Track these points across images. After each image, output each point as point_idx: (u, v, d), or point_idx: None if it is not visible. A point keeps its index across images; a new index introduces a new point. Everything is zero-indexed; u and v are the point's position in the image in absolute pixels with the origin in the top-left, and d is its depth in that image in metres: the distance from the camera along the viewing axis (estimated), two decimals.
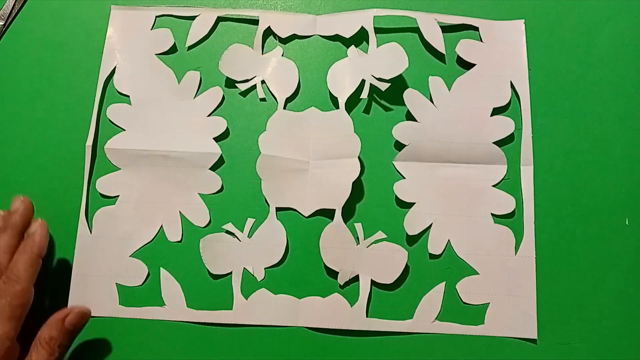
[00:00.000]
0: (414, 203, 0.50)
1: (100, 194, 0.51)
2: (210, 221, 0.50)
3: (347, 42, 0.54)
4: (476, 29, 0.54)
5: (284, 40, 0.54)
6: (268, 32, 0.54)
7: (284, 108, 0.52)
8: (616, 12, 0.55)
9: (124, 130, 0.52)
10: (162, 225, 0.50)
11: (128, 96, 0.53)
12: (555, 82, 0.53)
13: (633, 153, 0.52)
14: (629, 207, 0.51)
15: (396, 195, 0.50)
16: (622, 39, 0.55)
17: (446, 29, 0.54)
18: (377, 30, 0.54)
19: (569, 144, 0.52)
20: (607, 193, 0.51)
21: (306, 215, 0.50)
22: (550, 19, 0.55)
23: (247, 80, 0.53)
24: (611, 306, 0.48)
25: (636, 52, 0.54)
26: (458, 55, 0.54)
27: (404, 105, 0.52)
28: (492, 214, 0.50)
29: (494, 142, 0.51)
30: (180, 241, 0.50)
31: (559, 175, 0.51)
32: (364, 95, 0.51)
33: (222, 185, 0.51)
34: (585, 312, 0.49)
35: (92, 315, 0.47)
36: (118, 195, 0.51)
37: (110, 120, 0.52)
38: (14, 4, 0.55)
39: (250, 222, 0.50)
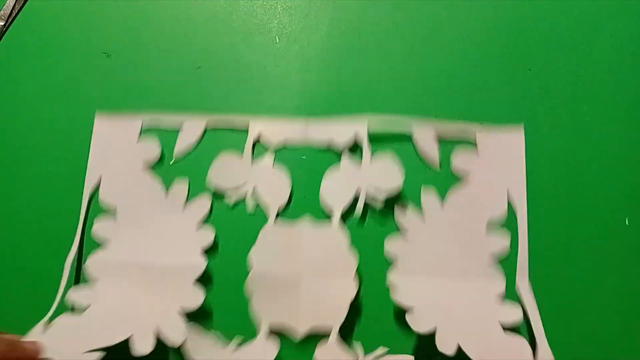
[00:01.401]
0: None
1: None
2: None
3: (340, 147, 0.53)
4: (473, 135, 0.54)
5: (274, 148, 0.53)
6: (258, 139, 0.54)
7: (276, 218, 0.50)
8: (616, 12, 0.57)
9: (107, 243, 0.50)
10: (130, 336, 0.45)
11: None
12: (555, 82, 0.54)
13: (633, 153, 0.53)
14: (629, 207, 0.51)
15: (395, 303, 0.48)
16: (622, 39, 0.56)
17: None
18: (372, 136, 0.53)
19: (569, 144, 0.52)
20: (607, 193, 0.52)
21: (299, 336, 0.47)
22: (550, 19, 0.56)
23: (237, 189, 0.52)
24: (611, 306, 0.48)
25: (636, 52, 0.55)
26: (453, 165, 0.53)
27: None
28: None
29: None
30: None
31: (559, 175, 0.52)
32: (358, 212, 0.51)
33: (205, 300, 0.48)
34: (585, 312, 0.48)
35: None
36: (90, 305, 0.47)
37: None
38: (14, 4, 0.56)
39: (236, 342, 0.47)
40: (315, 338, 0.47)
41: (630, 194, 0.52)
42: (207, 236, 0.50)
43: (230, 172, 0.52)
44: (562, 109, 0.54)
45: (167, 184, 0.52)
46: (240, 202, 0.52)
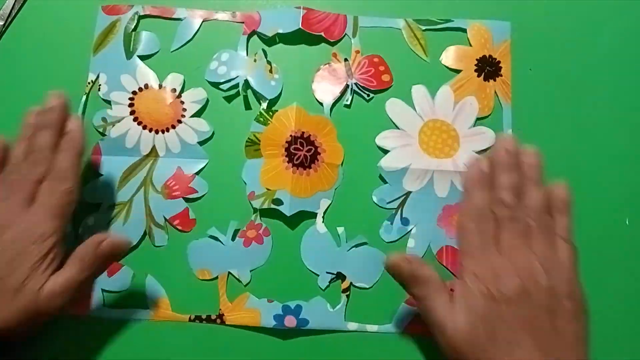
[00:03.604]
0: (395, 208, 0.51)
1: (86, 201, 0.51)
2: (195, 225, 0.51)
3: (331, 44, 0.55)
4: (464, 30, 0.55)
5: (268, 42, 0.55)
6: (252, 34, 0.55)
7: (267, 110, 0.53)
8: (601, 15, 0.56)
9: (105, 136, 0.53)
10: (147, 230, 0.51)
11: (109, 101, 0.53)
12: (555, 82, 0.54)
13: (633, 153, 0.53)
14: (629, 207, 0.52)
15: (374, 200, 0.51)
16: (622, 39, 0.55)
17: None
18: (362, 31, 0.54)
19: (569, 144, 0.53)
20: (607, 193, 0.52)
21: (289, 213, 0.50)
22: (535, 21, 0.55)
23: (230, 80, 0.53)
24: (611, 306, 0.48)
25: (636, 52, 0.55)
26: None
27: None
28: None
29: (476, 152, 0.52)
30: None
31: (559, 175, 0.51)
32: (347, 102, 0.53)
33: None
34: None
35: (73, 312, 0.48)
36: (101, 203, 0.51)
37: (95, 128, 0.53)
38: (14, 4, 0.55)
39: (233, 224, 0.51)
40: (303, 223, 0.51)
41: (630, 194, 0.52)
42: (204, 127, 0.53)
43: (225, 66, 0.54)
44: (561, 110, 0.53)
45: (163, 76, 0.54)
46: (235, 97, 0.54)
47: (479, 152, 0.52)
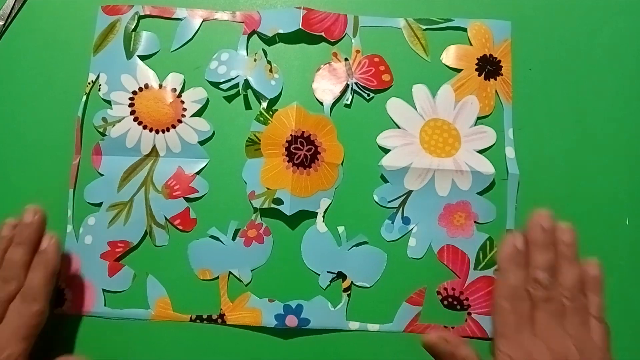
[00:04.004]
0: (396, 207, 0.51)
1: (86, 201, 0.52)
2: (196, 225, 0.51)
3: (331, 44, 0.55)
4: (464, 30, 0.55)
5: (268, 41, 0.55)
6: (252, 34, 0.55)
7: (267, 108, 0.53)
8: (601, 15, 0.56)
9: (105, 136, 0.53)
10: (147, 230, 0.51)
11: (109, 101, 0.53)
12: (556, 82, 0.54)
13: (633, 153, 0.53)
14: (629, 207, 0.52)
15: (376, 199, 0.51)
16: (622, 39, 0.55)
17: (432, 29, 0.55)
18: (362, 30, 0.55)
19: (569, 144, 0.53)
20: (607, 193, 0.52)
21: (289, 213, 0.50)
22: (535, 21, 0.55)
23: (230, 80, 0.53)
24: (611, 306, 0.47)
25: (636, 52, 0.55)
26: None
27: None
28: (475, 222, 0.51)
29: (477, 151, 0.52)
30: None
31: (559, 175, 0.52)
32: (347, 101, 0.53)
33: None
34: None
35: (75, 312, 0.49)
36: (102, 202, 0.51)
37: (96, 128, 0.53)
38: (14, 4, 0.55)
39: (233, 224, 0.51)
40: (303, 223, 0.51)
41: (630, 194, 0.52)
42: (204, 126, 0.53)
43: (225, 66, 0.54)
44: (561, 109, 0.53)
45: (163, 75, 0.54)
46: (235, 97, 0.54)
47: (481, 152, 0.52)
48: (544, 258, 0.44)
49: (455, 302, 0.49)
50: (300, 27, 0.54)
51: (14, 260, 0.45)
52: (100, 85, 0.53)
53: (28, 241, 0.45)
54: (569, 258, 0.45)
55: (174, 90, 0.53)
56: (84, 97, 0.53)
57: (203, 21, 0.55)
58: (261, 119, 0.52)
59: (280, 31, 0.54)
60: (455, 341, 0.44)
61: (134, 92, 0.53)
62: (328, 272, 0.50)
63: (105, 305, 0.49)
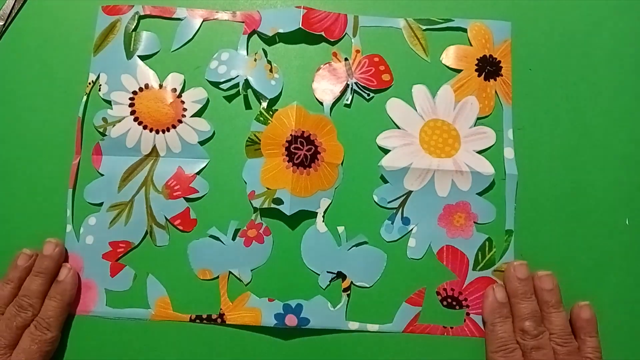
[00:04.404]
0: (396, 208, 0.51)
1: (86, 201, 0.52)
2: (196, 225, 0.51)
3: (331, 44, 0.55)
4: (464, 30, 0.55)
5: (268, 41, 0.55)
6: (252, 33, 0.55)
7: (268, 108, 0.53)
8: (601, 15, 0.56)
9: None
10: (148, 230, 0.51)
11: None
12: (556, 82, 0.54)
13: (633, 153, 0.53)
14: (629, 207, 0.52)
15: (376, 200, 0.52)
16: (622, 39, 0.55)
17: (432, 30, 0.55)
18: (362, 30, 0.55)
19: (569, 144, 0.53)
20: (607, 193, 0.52)
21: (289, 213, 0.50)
22: (535, 21, 0.55)
23: (230, 80, 0.53)
24: (611, 306, 0.48)
25: (636, 52, 0.55)
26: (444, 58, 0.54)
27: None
28: (474, 222, 0.51)
29: (477, 152, 0.52)
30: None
31: (559, 175, 0.52)
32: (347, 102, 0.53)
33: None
34: None
35: (76, 312, 0.49)
36: (102, 202, 0.51)
37: (96, 128, 0.53)
38: (14, 4, 0.55)
39: (233, 224, 0.51)
40: (303, 223, 0.51)
41: (630, 194, 0.52)
42: (205, 127, 0.53)
43: (225, 66, 0.54)
44: (561, 110, 0.53)
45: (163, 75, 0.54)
46: (235, 97, 0.54)
47: (480, 152, 0.52)
48: (527, 308, 0.46)
49: (454, 303, 0.50)
50: (300, 26, 0.54)
51: (32, 289, 0.47)
52: (100, 85, 0.53)
53: (47, 272, 0.48)
54: (554, 304, 0.47)
55: (174, 90, 0.53)
56: (85, 97, 0.53)
57: (203, 21, 0.55)
58: (261, 118, 0.52)
59: (280, 31, 0.54)
60: None
61: (134, 92, 0.53)
62: (328, 272, 0.50)
63: (106, 305, 0.49)
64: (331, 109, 0.53)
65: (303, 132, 0.51)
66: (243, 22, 0.55)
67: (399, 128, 0.53)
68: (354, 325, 0.49)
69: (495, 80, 0.53)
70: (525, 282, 0.47)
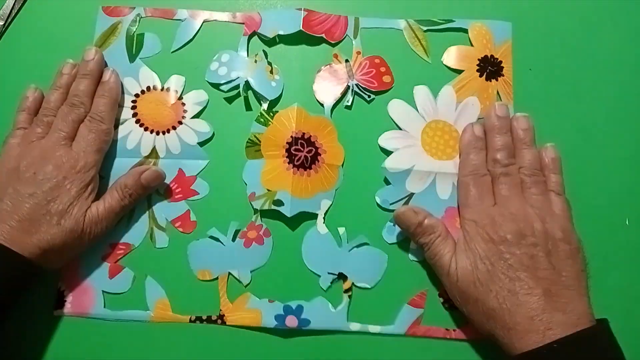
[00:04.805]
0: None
1: None
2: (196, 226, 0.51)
3: (332, 45, 0.55)
4: (465, 31, 0.55)
5: (269, 43, 0.55)
6: (253, 35, 0.55)
7: (268, 110, 0.53)
8: (602, 15, 0.55)
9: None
10: (149, 232, 0.51)
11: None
12: (556, 82, 0.54)
13: (633, 153, 0.53)
14: (629, 207, 0.51)
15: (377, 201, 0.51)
16: (623, 39, 0.55)
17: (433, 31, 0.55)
18: (363, 32, 0.55)
19: (569, 144, 0.52)
20: (607, 193, 0.52)
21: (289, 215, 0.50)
22: (536, 21, 0.55)
23: (230, 82, 0.53)
24: (611, 306, 0.47)
25: (637, 52, 0.55)
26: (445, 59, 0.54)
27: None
28: None
29: None
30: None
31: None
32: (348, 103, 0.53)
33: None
34: None
35: (74, 314, 0.49)
36: None
37: None
38: (14, 4, 0.56)
39: (234, 225, 0.51)
40: (304, 224, 0.51)
41: (630, 194, 0.52)
42: (205, 128, 0.53)
43: (225, 67, 0.54)
44: (563, 109, 0.53)
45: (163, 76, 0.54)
46: (235, 98, 0.54)
47: None
48: (501, 141, 0.49)
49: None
50: (301, 28, 0.54)
51: (80, 89, 0.50)
52: None
53: (92, 73, 0.51)
54: (526, 141, 0.49)
55: (176, 92, 0.53)
56: None
57: (204, 22, 0.55)
58: (261, 120, 0.52)
59: (281, 32, 0.54)
60: (423, 212, 0.48)
61: (137, 95, 0.53)
62: (329, 273, 0.49)
63: (104, 307, 0.49)
64: (332, 110, 0.53)
65: (303, 133, 0.51)
66: (243, 23, 0.55)
67: (400, 129, 0.52)
68: (355, 326, 0.49)
69: (496, 80, 0.53)
70: (502, 119, 0.50)
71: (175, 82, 0.53)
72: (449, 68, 0.54)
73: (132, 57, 0.54)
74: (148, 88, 0.53)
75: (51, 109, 0.50)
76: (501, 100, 0.53)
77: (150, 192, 0.51)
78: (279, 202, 0.50)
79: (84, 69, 0.51)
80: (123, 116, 0.53)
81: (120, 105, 0.53)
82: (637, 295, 0.50)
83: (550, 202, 0.47)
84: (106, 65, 0.53)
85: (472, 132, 0.50)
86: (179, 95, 0.53)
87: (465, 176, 0.48)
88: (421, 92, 0.53)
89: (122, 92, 0.53)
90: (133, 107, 0.53)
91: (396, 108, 0.53)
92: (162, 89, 0.53)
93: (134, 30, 0.55)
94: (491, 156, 0.48)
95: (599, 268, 0.49)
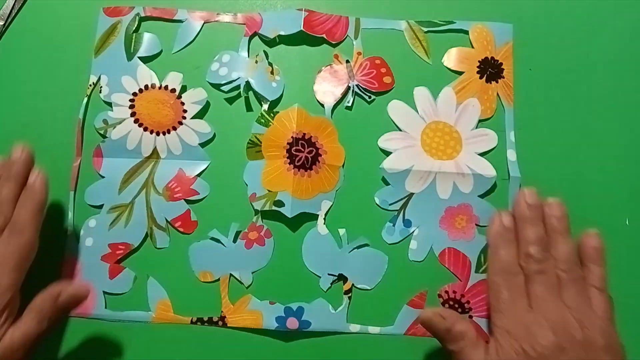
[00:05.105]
0: (397, 210, 0.51)
1: (87, 203, 0.51)
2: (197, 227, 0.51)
3: (333, 46, 0.55)
4: (466, 32, 0.55)
5: (269, 43, 0.55)
6: (254, 35, 0.55)
7: (269, 111, 0.53)
8: (603, 17, 0.56)
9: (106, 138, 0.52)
10: (148, 232, 0.51)
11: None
12: (557, 83, 0.54)
13: (633, 153, 0.53)
14: (629, 207, 0.52)
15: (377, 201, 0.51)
16: (624, 40, 0.55)
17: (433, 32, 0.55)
18: (363, 32, 0.55)
19: (569, 144, 0.52)
20: (607, 193, 0.52)
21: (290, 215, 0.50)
22: (537, 23, 0.55)
23: (231, 82, 0.53)
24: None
25: (636, 52, 0.55)
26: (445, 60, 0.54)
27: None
28: (476, 224, 0.51)
29: (478, 154, 0.52)
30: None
31: (559, 175, 0.52)
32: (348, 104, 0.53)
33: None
34: None
35: (75, 315, 0.49)
36: (103, 204, 0.51)
37: (96, 130, 0.53)
38: (14, 4, 0.55)
39: (234, 226, 0.51)
40: (304, 226, 0.51)
41: (630, 194, 0.52)
42: (205, 129, 0.52)
43: (226, 67, 0.53)
44: (563, 111, 0.53)
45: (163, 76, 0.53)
46: (236, 99, 0.54)
47: (482, 154, 0.52)
48: (533, 232, 0.44)
49: (456, 305, 0.49)
50: (302, 28, 0.54)
51: (3, 196, 0.45)
52: (101, 87, 0.53)
53: (16, 177, 0.45)
54: (561, 231, 0.45)
55: (174, 90, 0.53)
56: (85, 99, 0.53)
57: (204, 23, 0.55)
58: (262, 120, 0.52)
59: (282, 33, 0.54)
60: (452, 317, 0.44)
61: (134, 94, 0.53)
62: (329, 274, 0.50)
63: (105, 307, 0.49)
64: (332, 111, 0.53)
65: (304, 134, 0.51)
66: (244, 24, 0.55)
67: (400, 130, 0.52)
68: (355, 327, 0.49)
69: (496, 82, 0.53)
70: (533, 208, 0.45)
71: (173, 80, 0.53)
72: (449, 69, 0.54)
73: (129, 56, 0.54)
74: (146, 86, 0.53)
75: None
76: (502, 102, 0.53)
77: (73, 310, 0.46)
78: (280, 203, 0.50)
79: (7, 172, 0.46)
80: (121, 115, 0.52)
81: (117, 105, 0.52)
82: (637, 295, 0.50)
83: (591, 300, 0.43)
84: (33, 164, 0.47)
85: (500, 222, 0.46)
86: (177, 94, 0.53)
87: (496, 275, 0.44)
88: (421, 94, 0.53)
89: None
90: (131, 107, 0.52)
91: (396, 109, 0.53)
92: (160, 87, 0.53)
93: (133, 29, 0.54)
94: (524, 250, 0.44)
95: None
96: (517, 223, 0.46)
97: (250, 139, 0.52)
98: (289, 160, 0.51)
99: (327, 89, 0.53)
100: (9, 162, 0.46)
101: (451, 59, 0.54)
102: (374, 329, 0.49)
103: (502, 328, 0.42)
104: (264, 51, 0.54)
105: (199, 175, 0.52)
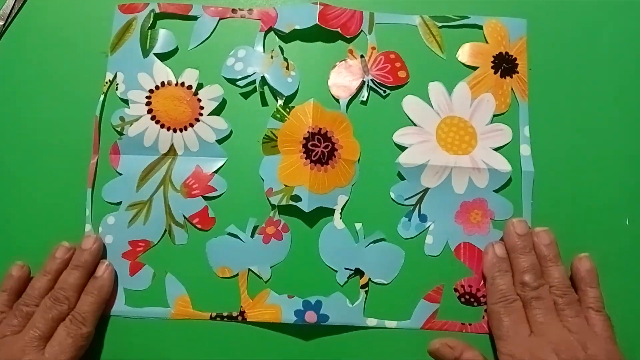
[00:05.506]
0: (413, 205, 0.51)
1: (104, 200, 0.52)
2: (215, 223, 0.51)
3: (347, 41, 0.55)
4: (480, 27, 0.55)
5: (285, 39, 0.55)
6: (269, 30, 0.55)
7: (284, 106, 0.53)
8: (617, 12, 0.56)
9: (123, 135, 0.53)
10: (167, 229, 0.51)
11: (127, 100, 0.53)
12: (555, 82, 0.54)
13: (633, 153, 0.53)
14: (629, 207, 0.52)
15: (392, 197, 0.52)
16: (623, 39, 0.55)
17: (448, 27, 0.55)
18: (377, 27, 0.55)
19: (569, 144, 0.53)
20: (607, 193, 0.52)
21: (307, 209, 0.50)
22: (551, 18, 0.55)
23: (246, 77, 0.53)
24: (611, 306, 0.48)
25: (636, 52, 0.55)
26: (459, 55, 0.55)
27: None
28: (491, 219, 0.51)
29: (493, 149, 0.52)
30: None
31: (559, 175, 0.52)
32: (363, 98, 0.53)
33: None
34: None
35: None
36: (121, 202, 0.52)
37: (113, 127, 0.53)
38: (14, 4, 0.55)
39: (252, 221, 0.51)
40: (321, 221, 0.51)
41: (630, 194, 0.52)
42: (222, 125, 0.53)
43: (241, 63, 0.54)
44: (562, 110, 0.53)
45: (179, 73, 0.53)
46: (251, 94, 0.54)
47: (497, 149, 0.52)
48: (526, 261, 0.47)
49: (472, 299, 0.50)
50: (317, 22, 0.54)
51: (69, 282, 0.47)
52: (117, 84, 0.53)
53: (85, 266, 0.48)
54: (551, 258, 0.47)
55: (190, 87, 0.53)
56: (102, 97, 0.53)
57: (220, 19, 0.55)
58: (278, 115, 0.52)
59: (297, 27, 0.54)
60: (459, 346, 0.46)
61: (151, 91, 0.53)
62: (345, 268, 0.50)
63: (125, 304, 0.50)
64: (347, 106, 0.53)
65: (320, 129, 0.52)
66: (260, 19, 0.55)
67: (415, 125, 0.53)
68: (372, 321, 0.49)
69: (511, 77, 0.53)
70: (524, 238, 0.48)
71: (189, 77, 0.53)
72: (463, 64, 0.54)
73: (145, 53, 0.54)
74: (162, 83, 0.53)
75: (34, 297, 0.47)
76: (516, 97, 0.53)
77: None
78: (297, 198, 0.50)
79: (77, 259, 0.48)
80: (137, 112, 0.52)
81: (134, 102, 0.53)
82: (637, 295, 0.50)
83: (589, 321, 0.45)
84: (104, 255, 0.50)
85: (493, 253, 0.49)
86: (193, 90, 0.53)
87: (495, 304, 0.47)
88: (436, 89, 0.53)
89: None
90: (148, 103, 0.53)
91: (411, 104, 0.53)
92: (176, 84, 0.53)
93: (148, 25, 0.54)
94: (518, 279, 0.47)
95: (599, 268, 0.49)
96: (510, 253, 0.49)
97: (266, 134, 0.52)
98: (305, 155, 0.51)
99: (342, 83, 0.53)
100: (79, 250, 0.49)
101: (465, 54, 0.54)
102: (390, 323, 0.49)
103: (507, 354, 0.44)
104: (279, 46, 0.54)
105: (216, 171, 0.52)
